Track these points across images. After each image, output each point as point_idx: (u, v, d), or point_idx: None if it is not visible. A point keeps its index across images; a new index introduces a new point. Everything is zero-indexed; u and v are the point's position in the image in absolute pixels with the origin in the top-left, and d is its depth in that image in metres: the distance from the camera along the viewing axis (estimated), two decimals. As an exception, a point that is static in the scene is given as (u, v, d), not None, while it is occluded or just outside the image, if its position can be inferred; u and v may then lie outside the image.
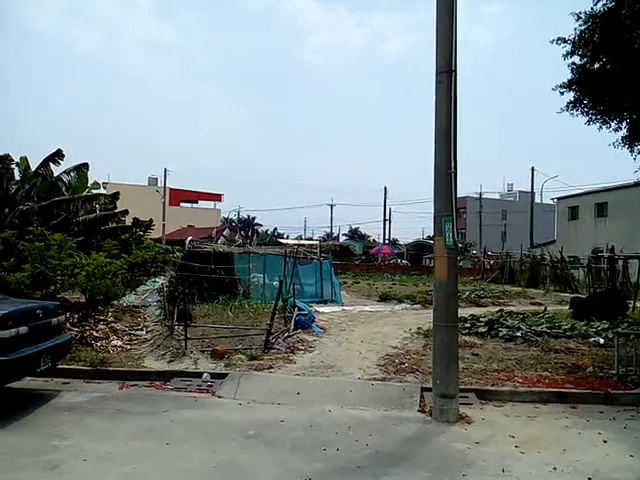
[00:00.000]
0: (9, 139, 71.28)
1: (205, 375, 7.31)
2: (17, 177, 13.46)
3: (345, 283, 24.45)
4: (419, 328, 11.19)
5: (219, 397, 6.60)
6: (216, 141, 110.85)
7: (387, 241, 61.98)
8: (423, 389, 6.73)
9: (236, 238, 40.31)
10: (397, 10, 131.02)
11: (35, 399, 6.33)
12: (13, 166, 13.32)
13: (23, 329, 5.83)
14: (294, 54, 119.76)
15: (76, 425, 5.48)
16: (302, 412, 6.00)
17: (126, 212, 15.07)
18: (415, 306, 17.02)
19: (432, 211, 6.07)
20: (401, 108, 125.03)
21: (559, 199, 43.47)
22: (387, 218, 60.23)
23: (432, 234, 6.61)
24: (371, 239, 75.36)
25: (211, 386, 6.98)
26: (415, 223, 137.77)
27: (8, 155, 13.12)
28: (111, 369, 7.48)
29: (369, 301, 18.45)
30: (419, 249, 57.93)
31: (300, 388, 6.83)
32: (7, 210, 11.95)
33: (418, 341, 10.12)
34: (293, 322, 10.56)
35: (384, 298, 18.59)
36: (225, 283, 15.14)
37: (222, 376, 7.27)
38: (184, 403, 6.31)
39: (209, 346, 8.68)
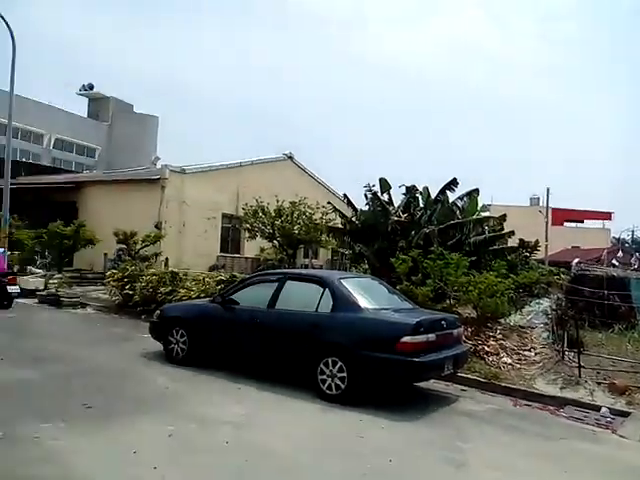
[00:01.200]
0: (413, 172, 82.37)
1: (604, 410, 6.85)
2: (421, 204, 15.62)
3: None
4: None
5: (620, 436, 6.09)
6: (603, 155, 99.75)
7: None
8: None
9: (632, 261, 35.36)
10: None
11: (438, 400, 7.17)
12: (417, 195, 15.59)
13: (431, 336, 6.68)
14: None
15: (475, 431, 5.96)
16: None
17: (512, 233, 15.41)
18: None
19: None
20: None
21: None
22: None
23: None
24: None
25: (611, 422, 6.49)
26: None
27: (414, 186, 15.46)
28: (503, 384, 7.81)
29: None
30: None
31: None
32: (413, 232, 14.00)
33: None
34: None
35: None
36: (619, 311, 13.64)
37: (624, 414, 6.70)
38: (581, 434, 6.09)
39: (605, 378, 8.04)
